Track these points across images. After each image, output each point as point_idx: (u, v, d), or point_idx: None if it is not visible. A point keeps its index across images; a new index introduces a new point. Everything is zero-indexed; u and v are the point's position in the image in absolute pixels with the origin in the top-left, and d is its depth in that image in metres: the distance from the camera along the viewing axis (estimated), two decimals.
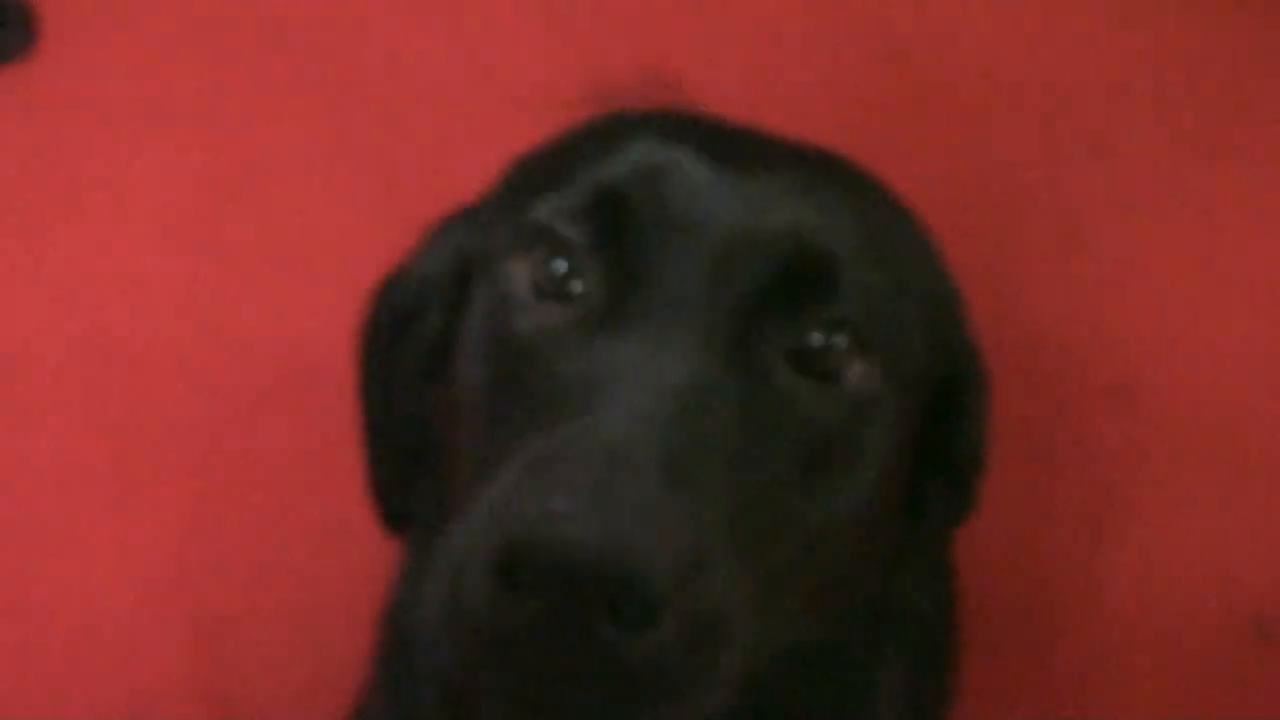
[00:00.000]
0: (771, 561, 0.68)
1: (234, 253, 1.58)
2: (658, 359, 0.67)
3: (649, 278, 0.70)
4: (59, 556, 1.43)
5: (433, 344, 0.84)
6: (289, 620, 1.40)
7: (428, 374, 0.85)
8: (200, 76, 1.69)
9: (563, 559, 0.57)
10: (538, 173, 0.80)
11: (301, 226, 1.61)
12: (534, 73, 1.63)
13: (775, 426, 0.70)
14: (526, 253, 0.74)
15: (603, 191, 0.72)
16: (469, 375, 0.76)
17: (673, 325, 0.68)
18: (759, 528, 0.67)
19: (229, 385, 1.51)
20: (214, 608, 1.38)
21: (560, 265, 0.72)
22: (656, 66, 1.66)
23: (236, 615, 1.39)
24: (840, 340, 0.71)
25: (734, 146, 0.77)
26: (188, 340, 1.52)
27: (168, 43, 1.71)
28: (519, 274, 0.74)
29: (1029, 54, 1.75)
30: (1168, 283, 1.60)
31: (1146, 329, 1.57)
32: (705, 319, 0.68)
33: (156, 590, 1.40)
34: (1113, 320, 1.57)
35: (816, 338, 0.71)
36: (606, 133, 0.78)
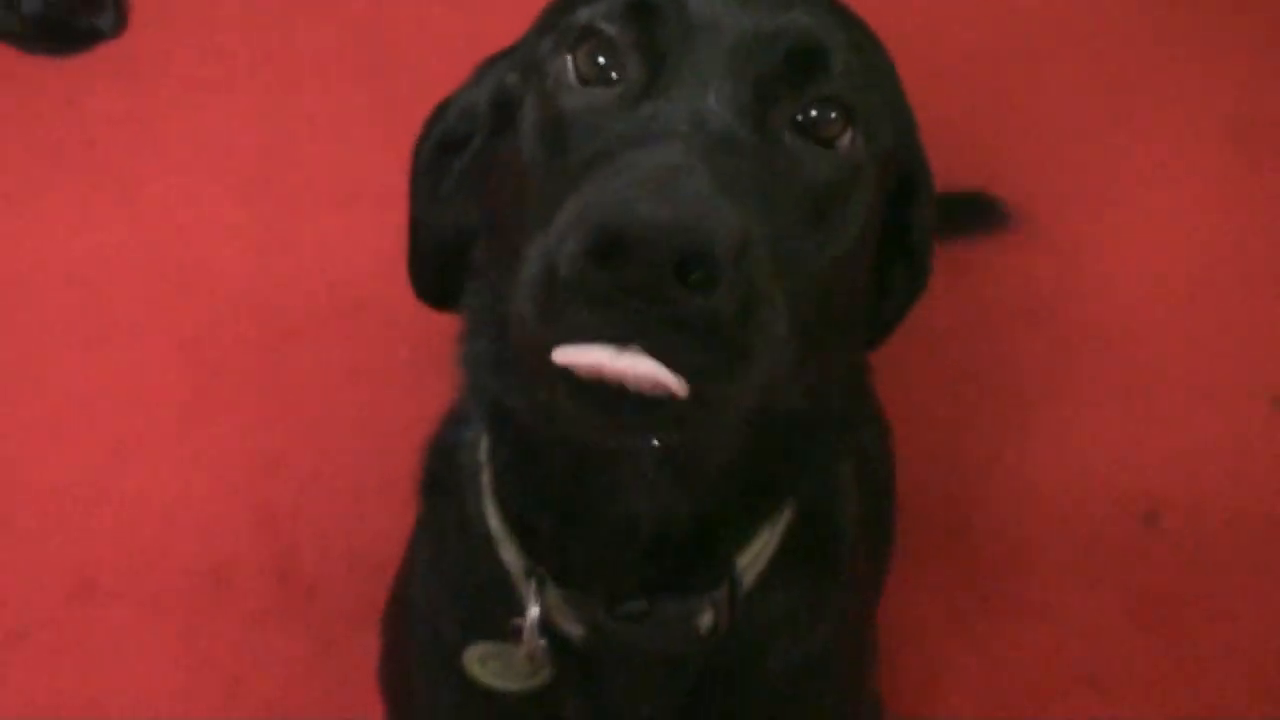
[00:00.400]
0: (790, 285, 0.73)
1: (286, 199, 1.75)
2: (697, 111, 0.74)
3: (680, 63, 0.77)
4: (146, 451, 1.60)
5: (476, 156, 0.91)
6: (339, 503, 1.55)
7: (471, 181, 0.92)
8: (257, 51, 1.85)
9: (644, 233, 0.63)
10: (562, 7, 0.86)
11: (342, 177, 1.75)
12: None
13: (788, 176, 0.77)
14: (572, 49, 0.80)
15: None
16: (528, 151, 0.82)
17: (705, 91, 0.75)
18: (780, 253, 0.73)
19: (283, 309, 1.66)
20: (276, 493, 1.55)
21: (602, 56, 0.79)
22: None
23: (295, 499, 1.55)
24: (834, 113, 0.78)
25: None
26: (249, 272, 1.69)
27: (231, 23, 1.87)
28: (566, 67, 0.80)
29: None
30: (1075, 225, 1.74)
31: (1057, 262, 1.71)
32: (730, 89, 0.75)
33: (228, 479, 1.57)
34: (1030, 254, 1.71)
35: (816, 110, 0.78)
36: None
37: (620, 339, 0.66)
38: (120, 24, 1.86)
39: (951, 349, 1.66)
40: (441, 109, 0.94)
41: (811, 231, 0.78)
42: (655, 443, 0.76)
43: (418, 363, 1.62)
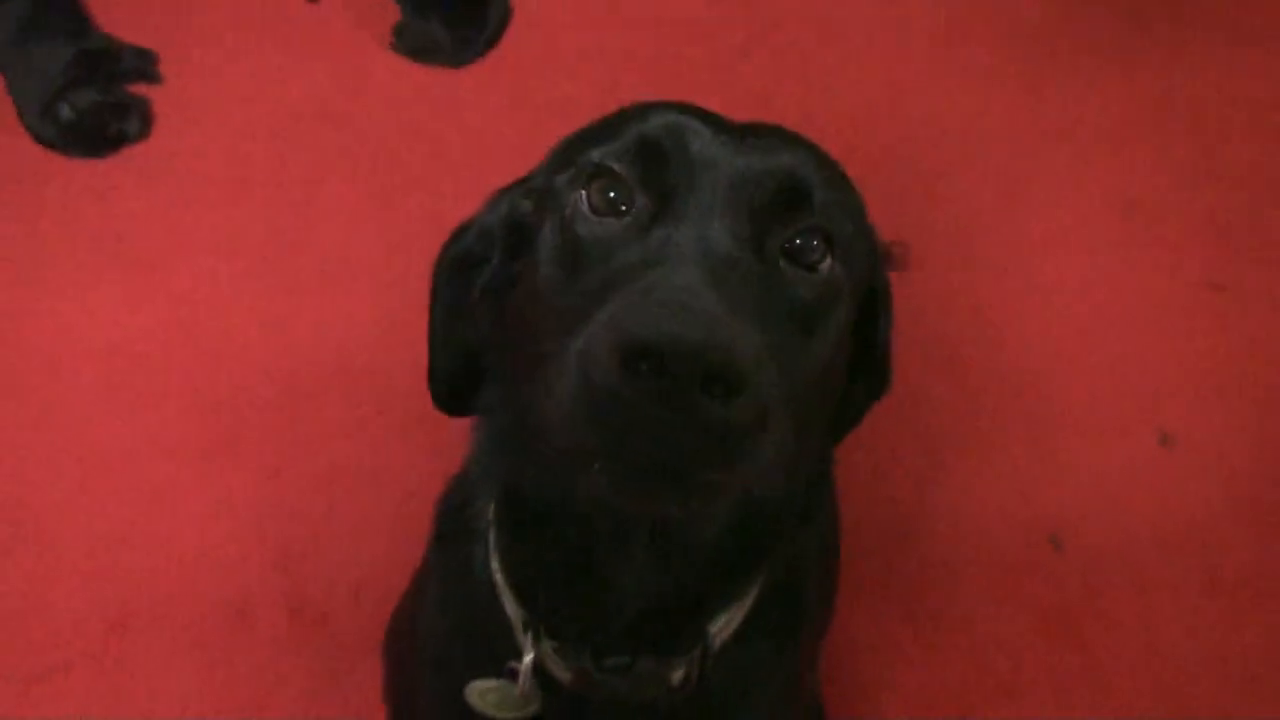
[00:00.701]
0: (784, 390, 0.78)
1: (297, 280, 1.85)
2: (702, 239, 0.81)
3: (685, 197, 0.84)
4: (174, 500, 1.69)
5: (493, 277, 0.97)
6: (346, 544, 1.63)
7: (489, 300, 0.97)
8: (271, 152, 1.96)
9: (676, 349, 0.67)
10: (584, 140, 0.92)
11: (345, 261, 1.86)
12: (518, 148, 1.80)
13: (781, 296, 0.84)
14: (586, 185, 0.87)
15: (643, 138, 0.86)
16: (547, 272, 0.87)
17: (709, 221, 0.82)
18: (776, 364, 0.77)
19: (296, 373, 1.74)
20: (290, 536, 1.63)
21: (613, 191, 0.86)
22: None
23: (307, 541, 1.63)
24: (816, 241, 0.86)
25: (725, 122, 0.91)
26: (266, 342, 1.78)
27: (248, 127, 1.97)
28: (582, 200, 0.86)
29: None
30: (984, 285, 1.86)
31: (968, 317, 1.83)
32: (730, 219, 0.82)
33: (247, 524, 1.66)
34: (944, 312, 1.82)
35: (801, 239, 0.85)
36: (635, 110, 0.91)
37: (650, 441, 0.70)
38: (145, 129, 1.95)
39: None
40: (458, 232, 1.01)
41: (800, 343, 0.85)
42: (672, 512, 0.83)
43: (409, 422, 1.68)
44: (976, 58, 2.03)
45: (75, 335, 1.82)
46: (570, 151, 0.92)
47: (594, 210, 0.86)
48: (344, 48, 2.03)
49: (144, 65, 2.00)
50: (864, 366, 1.00)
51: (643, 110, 0.90)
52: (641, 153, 0.86)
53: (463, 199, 1.68)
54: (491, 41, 2.03)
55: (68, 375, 1.79)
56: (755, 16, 2.07)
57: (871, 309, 0.98)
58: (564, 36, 2.05)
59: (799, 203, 0.86)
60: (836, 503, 1.45)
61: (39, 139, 1.94)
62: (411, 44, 2.02)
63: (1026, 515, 1.70)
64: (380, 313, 1.78)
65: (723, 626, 0.97)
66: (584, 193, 0.87)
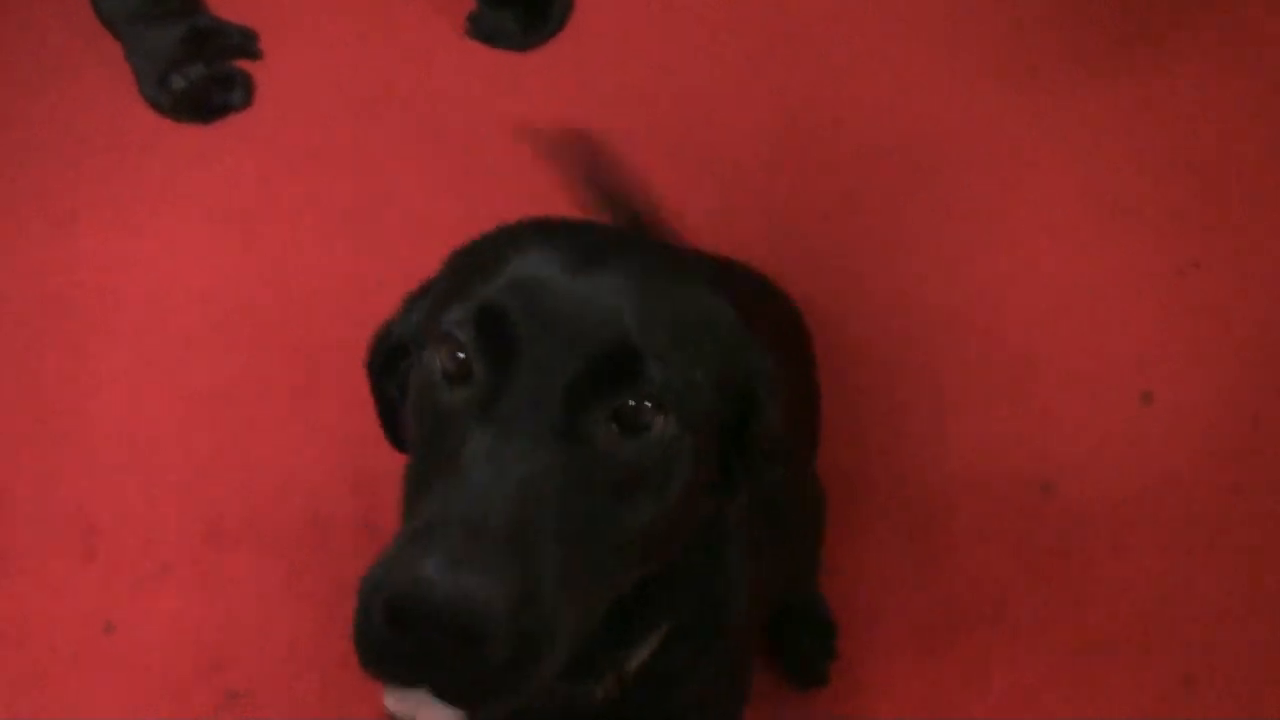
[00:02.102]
0: (598, 568, 0.79)
1: (378, 239, 1.91)
2: (508, 450, 0.76)
3: (515, 371, 0.79)
4: (260, 430, 1.78)
5: (403, 381, 0.95)
6: None
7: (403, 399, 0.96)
8: (355, 123, 2.02)
9: (424, 614, 0.69)
10: (457, 274, 0.90)
11: (424, 222, 1.92)
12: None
13: (598, 476, 0.79)
14: (438, 348, 0.83)
15: (483, 306, 0.81)
16: (411, 424, 0.87)
17: (521, 419, 0.77)
18: (585, 554, 0.77)
19: (373, 318, 1.65)
20: (367, 462, 1.66)
21: (459, 358, 0.82)
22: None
23: (383, 466, 1.48)
24: (646, 406, 0.80)
25: (583, 253, 0.83)
26: (347, 291, 1.84)
27: (336, 100, 2.04)
28: (434, 363, 0.83)
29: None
30: (977, 259, 1.92)
31: (961, 289, 1.89)
32: (544, 410, 0.77)
33: (327, 452, 1.74)
34: (943, 283, 1.89)
35: (628, 405, 0.79)
36: (496, 249, 0.86)
37: (424, 677, 0.73)
38: (247, 100, 2.03)
39: (886, 355, 1.84)
40: (383, 334, 0.99)
41: (628, 507, 0.80)
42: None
43: None
44: (976, 61, 2.09)
45: (176, 283, 1.89)
46: (441, 301, 0.89)
47: (444, 375, 0.83)
48: (421, 32, 2.11)
49: (247, 43, 2.07)
50: (749, 460, 0.91)
51: (501, 252, 0.85)
52: (482, 322, 0.81)
53: (524, 171, 1.88)
54: (556, 28, 2.13)
55: (170, 320, 1.86)
56: (779, 18, 2.15)
57: (749, 409, 0.89)
58: (617, 29, 2.12)
59: (629, 371, 0.80)
60: (820, 488, 1.52)
61: (153, 106, 2.01)
62: (484, 30, 2.12)
63: (1020, 465, 1.77)
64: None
65: (639, 650, 0.98)
66: (436, 358, 0.83)
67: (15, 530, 1.74)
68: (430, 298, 0.93)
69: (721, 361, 0.85)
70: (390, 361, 0.98)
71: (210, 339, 1.86)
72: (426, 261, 1.77)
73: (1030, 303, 1.89)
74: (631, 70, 2.09)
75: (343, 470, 1.74)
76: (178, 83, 2.00)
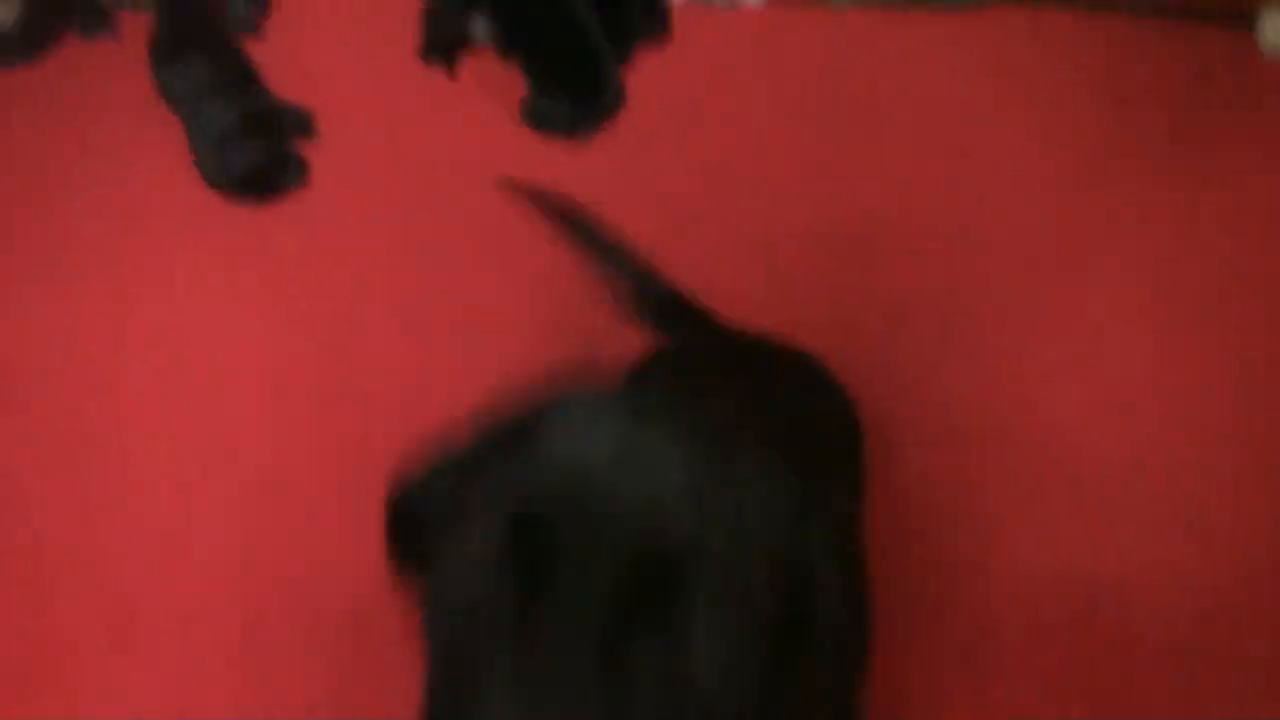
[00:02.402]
0: None
1: (426, 326, 1.92)
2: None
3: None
4: (312, 518, 1.78)
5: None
6: None
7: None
8: (401, 214, 2.03)
9: None
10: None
11: (467, 324, 1.92)
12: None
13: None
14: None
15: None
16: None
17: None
18: None
19: (426, 412, 1.71)
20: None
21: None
22: None
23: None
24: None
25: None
26: (401, 383, 1.86)
27: (385, 189, 2.04)
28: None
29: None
30: (1031, 362, 1.89)
31: (1012, 394, 1.87)
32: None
33: (374, 545, 1.65)
34: (991, 389, 1.86)
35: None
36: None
37: None
38: (302, 179, 2.07)
39: (930, 463, 1.80)
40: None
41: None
42: None
43: None
44: (1039, 161, 2.08)
45: (227, 366, 1.90)
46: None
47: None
48: (475, 117, 2.13)
49: (303, 123, 2.11)
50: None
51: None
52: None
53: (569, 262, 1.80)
54: (607, 116, 2.12)
55: (221, 402, 1.87)
56: (849, 101, 2.14)
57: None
58: (669, 119, 2.13)
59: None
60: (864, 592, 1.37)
61: (210, 184, 2.05)
62: (535, 116, 2.12)
63: (1067, 582, 1.72)
64: (497, 360, 1.87)
65: None
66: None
67: (56, 619, 1.73)
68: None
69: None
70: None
71: (259, 422, 1.86)
72: (477, 357, 1.89)
73: (1086, 414, 1.86)
74: (686, 155, 2.09)
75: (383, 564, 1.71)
76: (236, 163, 2.02)
